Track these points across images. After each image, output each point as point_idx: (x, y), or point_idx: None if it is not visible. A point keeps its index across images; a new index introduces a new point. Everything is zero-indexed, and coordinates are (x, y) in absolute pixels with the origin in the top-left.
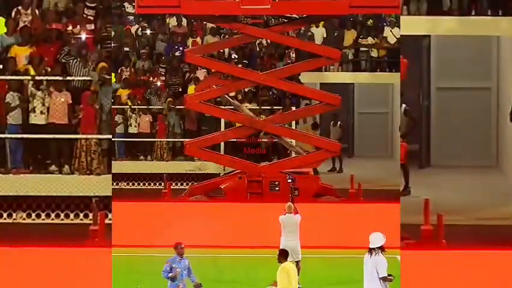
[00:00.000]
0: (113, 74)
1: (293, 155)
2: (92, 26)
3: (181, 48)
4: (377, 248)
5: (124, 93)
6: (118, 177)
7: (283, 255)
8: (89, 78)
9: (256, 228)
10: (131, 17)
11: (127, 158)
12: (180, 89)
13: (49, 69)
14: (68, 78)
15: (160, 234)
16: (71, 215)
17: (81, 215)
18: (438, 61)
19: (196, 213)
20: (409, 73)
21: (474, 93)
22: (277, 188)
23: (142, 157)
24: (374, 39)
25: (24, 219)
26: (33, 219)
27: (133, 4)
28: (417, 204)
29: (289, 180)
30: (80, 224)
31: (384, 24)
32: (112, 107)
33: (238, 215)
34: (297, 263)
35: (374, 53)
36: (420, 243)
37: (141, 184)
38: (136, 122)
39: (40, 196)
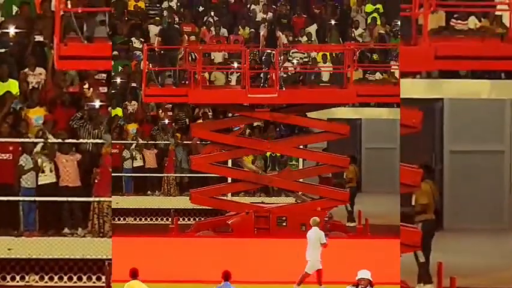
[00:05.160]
0: (120, 109)
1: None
2: (105, 89)
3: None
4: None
5: (130, 128)
6: (124, 213)
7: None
8: (102, 141)
9: (264, 264)
10: (138, 52)
11: (134, 193)
12: (187, 123)
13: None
14: (82, 141)
15: (166, 270)
16: (84, 278)
17: (94, 277)
18: (451, 124)
19: (203, 248)
20: (422, 136)
21: (487, 156)
22: (284, 224)
23: (149, 192)
24: (382, 75)
25: (37, 282)
26: (46, 282)
27: (141, 40)
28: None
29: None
30: (93, 287)
31: (390, 59)
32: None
33: (246, 250)
34: None
35: None
36: None
37: (148, 219)
38: (140, 155)
39: (53, 259)
